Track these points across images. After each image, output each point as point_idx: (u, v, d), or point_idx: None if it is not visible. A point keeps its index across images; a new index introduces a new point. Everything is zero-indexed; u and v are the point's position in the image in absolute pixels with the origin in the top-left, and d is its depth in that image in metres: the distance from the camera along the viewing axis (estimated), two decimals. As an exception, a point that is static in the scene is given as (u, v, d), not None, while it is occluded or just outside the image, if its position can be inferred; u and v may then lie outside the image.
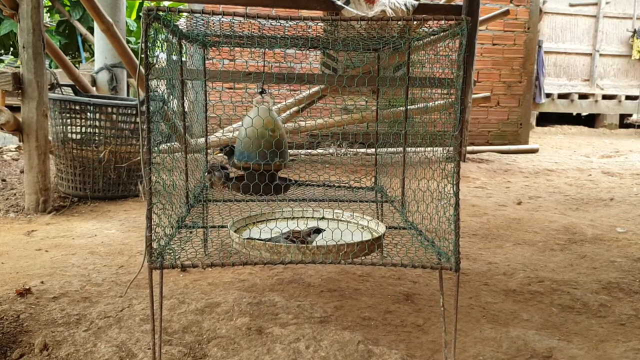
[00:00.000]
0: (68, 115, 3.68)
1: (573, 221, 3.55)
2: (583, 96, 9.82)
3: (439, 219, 1.68)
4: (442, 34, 1.70)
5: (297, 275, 2.43)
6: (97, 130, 3.70)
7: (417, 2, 4.89)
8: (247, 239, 1.67)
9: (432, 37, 1.83)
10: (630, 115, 10.20)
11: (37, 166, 3.37)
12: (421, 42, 1.94)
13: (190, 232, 1.90)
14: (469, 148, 6.29)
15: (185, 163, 2.12)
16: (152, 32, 1.49)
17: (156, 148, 1.53)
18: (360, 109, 5.57)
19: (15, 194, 3.70)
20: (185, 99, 2.11)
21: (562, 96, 9.69)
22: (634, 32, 9.94)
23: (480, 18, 5.82)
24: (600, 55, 9.92)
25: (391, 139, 2.29)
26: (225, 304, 2.06)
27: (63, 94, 4.09)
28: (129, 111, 3.73)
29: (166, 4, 7.08)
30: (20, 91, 3.33)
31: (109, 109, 3.69)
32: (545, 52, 9.33)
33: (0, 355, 1.71)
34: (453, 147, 1.59)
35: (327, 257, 1.59)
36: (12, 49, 8.18)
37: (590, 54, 9.90)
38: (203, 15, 1.51)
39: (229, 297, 2.12)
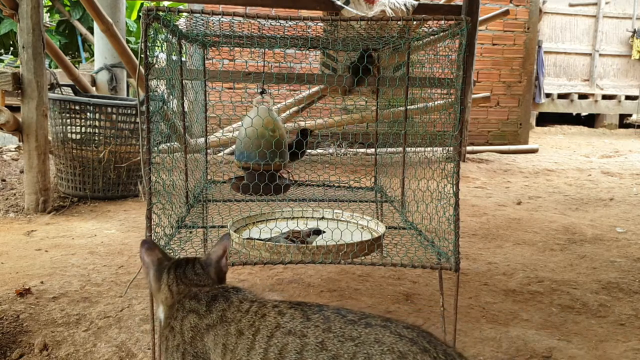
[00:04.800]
0: (68, 115, 3.68)
1: (573, 221, 3.55)
2: (583, 96, 9.81)
3: (438, 219, 1.68)
4: (442, 34, 1.70)
5: (297, 275, 2.43)
6: (96, 130, 3.70)
7: (416, 2, 4.89)
8: (247, 239, 1.67)
9: (431, 37, 1.83)
10: (630, 115, 10.20)
11: (37, 166, 3.37)
12: (421, 42, 1.94)
13: (190, 232, 1.90)
14: (469, 148, 6.29)
15: (185, 163, 2.12)
16: (152, 32, 1.49)
17: (156, 148, 1.53)
18: (360, 109, 5.57)
19: (15, 194, 3.70)
20: (185, 99, 2.11)
21: (561, 96, 9.68)
22: (634, 32, 9.93)
23: (480, 18, 5.82)
24: (600, 55, 9.92)
25: (391, 139, 2.29)
26: (225, 304, 2.06)
27: (63, 94, 4.09)
28: (129, 111, 3.72)
29: (166, 4, 7.08)
30: (20, 91, 3.33)
31: (109, 109, 3.69)
32: (545, 52, 9.33)
33: (0, 355, 1.71)
34: (453, 147, 1.59)
35: (327, 257, 1.59)
36: (12, 48, 8.18)
37: (590, 54, 9.89)
38: (203, 15, 1.51)
39: (229, 297, 2.12)
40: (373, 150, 2.55)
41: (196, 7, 3.13)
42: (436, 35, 1.77)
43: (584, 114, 10.39)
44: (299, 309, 1.03)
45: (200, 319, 1.10)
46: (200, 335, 1.08)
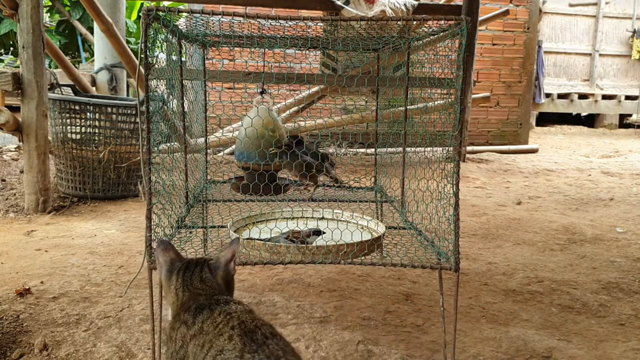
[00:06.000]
0: (68, 115, 3.68)
1: (573, 221, 3.55)
2: (583, 96, 9.81)
3: (438, 219, 1.68)
4: (441, 34, 1.70)
5: (297, 275, 2.43)
6: (96, 130, 3.70)
7: (416, 2, 4.89)
8: (247, 239, 1.67)
9: (431, 37, 1.83)
10: (630, 115, 10.19)
11: (37, 166, 3.37)
12: (421, 42, 1.94)
13: (190, 232, 1.90)
14: (469, 148, 6.29)
15: (185, 163, 2.12)
16: (152, 32, 1.49)
17: (156, 148, 1.54)
18: (360, 109, 5.57)
19: (15, 194, 3.70)
20: (185, 99, 2.11)
21: (561, 96, 9.68)
22: (634, 32, 9.93)
23: (480, 18, 5.82)
24: (600, 55, 9.91)
25: (391, 139, 2.29)
26: (225, 304, 2.06)
27: (63, 94, 4.09)
28: (129, 111, 3.72)
29: (166, 4, 7.08)
30: (20, 91, 3.33)
31: (109, 109, 3.69)
32: (545, 52, 9.33)
33: (0, 355, 1.71)
34: (453, 147, 1.59)
35: (327, 257, 1.59)
36: (12, 48, 8.17)
37: (590, 54, 9.89)
38: (203, 15, 1.51)
39: (229, 297, 2.12)
40: (373, 150, 2.55)
41: (196, 7, 3.13)
42: (436, 35, 1.77)
43: (584, 114, 10.38)
44: (246, 338, 1.03)
45: (187, 329, 1.13)
46: (185, 345, 1.12)
